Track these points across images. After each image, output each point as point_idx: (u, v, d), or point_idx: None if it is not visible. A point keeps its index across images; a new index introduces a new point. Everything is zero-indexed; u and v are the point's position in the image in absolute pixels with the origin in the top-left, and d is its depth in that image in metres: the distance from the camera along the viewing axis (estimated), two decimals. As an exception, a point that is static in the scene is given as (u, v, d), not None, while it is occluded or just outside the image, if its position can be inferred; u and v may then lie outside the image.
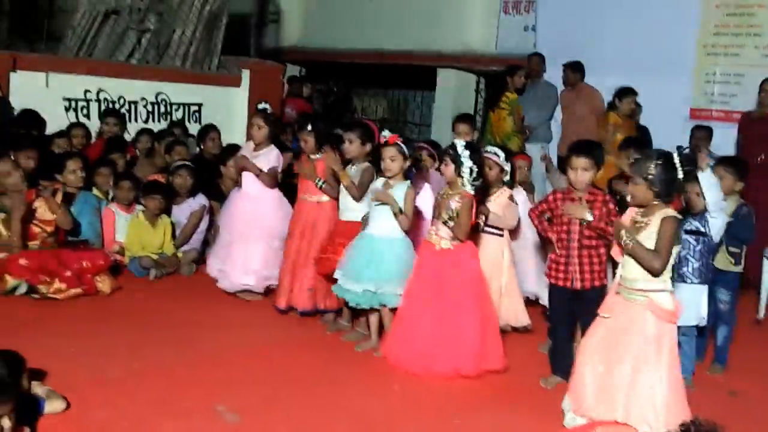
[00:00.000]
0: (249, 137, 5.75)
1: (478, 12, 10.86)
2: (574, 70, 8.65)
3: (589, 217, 4.14)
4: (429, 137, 10.74)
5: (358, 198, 4.89)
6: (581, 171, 4.27)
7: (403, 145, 4.66)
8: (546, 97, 8.82)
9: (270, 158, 5.52)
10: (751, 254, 5.48)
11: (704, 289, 4.61)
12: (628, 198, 3.77)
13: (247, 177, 5.57)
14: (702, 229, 4.52)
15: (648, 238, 3.58)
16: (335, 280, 4.83)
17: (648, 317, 3.61)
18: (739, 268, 4.97)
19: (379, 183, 4.76)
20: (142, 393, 3.92)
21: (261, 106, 5.62)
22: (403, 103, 12.72)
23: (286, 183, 5.94)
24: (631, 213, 3.77)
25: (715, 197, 4.42)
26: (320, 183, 5.16)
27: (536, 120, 8.75)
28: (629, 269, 3.67)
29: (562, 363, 4.30)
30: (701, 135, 7.53)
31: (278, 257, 5.50)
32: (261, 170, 5.48)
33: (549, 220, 4.48)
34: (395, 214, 4.59)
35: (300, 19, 12.77)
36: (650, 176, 3.58)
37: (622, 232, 3.63)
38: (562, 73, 8.74)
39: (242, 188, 5.64)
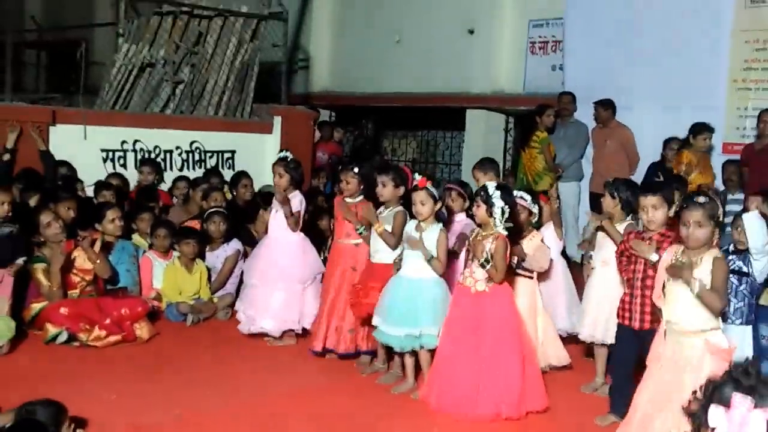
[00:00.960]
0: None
1: (506, 52, 10.98)
2: (606, 107, 8.67)
3: (655, 258, 3.99)
4: (459, 177, 10.80)
5: (394, 246, 4.90)
6: (651, 210, 4.20)
7: (433, 189, 4.69)
8: (577, 135, 8.84)
9: (294, 203, 5.58)
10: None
11: (748, 329, 4.54)
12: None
13: (272, 222, 5.66)
14: (745, 269, 4.47)
15: (701, 285, 3.55)
16: (370, 322, 4.85)
17: (705, 358, 3.57)
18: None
19: (411, 226, 4.78)
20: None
21: (282, 154, 5.70)
22: (432, 143, 12.80)
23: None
24: (669, 255, 3.75)
25: (762, 239, 4.38)
26: (361, 230, 5.21)
27: (568, 158, 8.78)
28: (681, 311, 3.63)
29: (619, 402, 4.21)
30: (733, 169, 7.49)
31: (299, 301, 5.56)
32: (292, 212, 5.54)
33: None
34: (428, 261, 4.61)
35: (329, 65, 12.98)
36: (719, 219, 3.60)
37: (690, 276, 3.56)
38: (593, 110, 8.76)
39: (268, 233, 5.72)
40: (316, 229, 6.32)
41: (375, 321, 4.79)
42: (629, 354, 4.28)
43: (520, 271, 5.01)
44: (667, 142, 8.02)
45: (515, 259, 4.86)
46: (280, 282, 5.55)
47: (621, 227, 4.74)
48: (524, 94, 10.49)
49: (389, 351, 5.01)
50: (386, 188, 4.99)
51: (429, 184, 4.67)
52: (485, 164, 5.75)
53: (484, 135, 11.16)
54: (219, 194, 7.17)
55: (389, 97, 11.87)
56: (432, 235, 4.65)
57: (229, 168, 8.57)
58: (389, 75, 11.79)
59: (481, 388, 4.37)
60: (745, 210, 4.91)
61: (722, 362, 3.58)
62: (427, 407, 4.50)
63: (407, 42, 11.77)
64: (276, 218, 5.63)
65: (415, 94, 11.44)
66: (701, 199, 3.65)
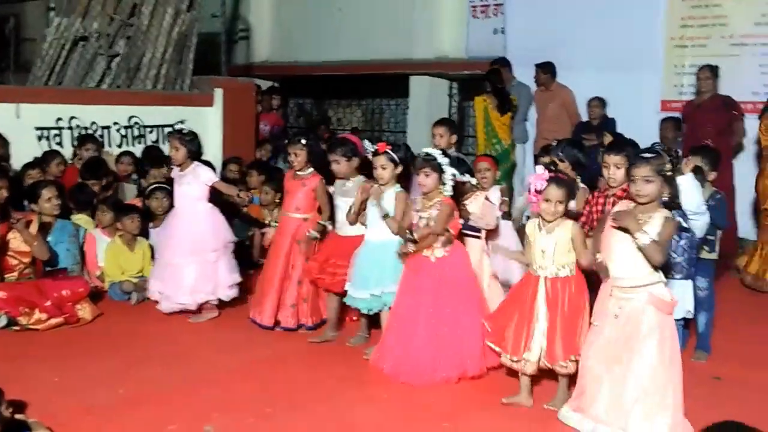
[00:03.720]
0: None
1: (447, 17, 10.92)
2: (546, 70, 8.73)
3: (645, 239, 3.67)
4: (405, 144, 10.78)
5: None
6: (614, 168, 4.32)
7: (392, 153, 4.72)
8: (519, 98, 8.86)
9: (199, 174, 5.54)
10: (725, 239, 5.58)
11: (689, 283, 4.65)
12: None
13: (177, 196, 5.63)
14: (684, 225, 4.56)
15: (648, 238, 3.61)
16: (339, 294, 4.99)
17: (648, 310, 3.65)
18: (714, 255, 5.03)
19: (375, 190, 4.81)
20: (128, 419, 3.89)
21: (177, 126, 5.67)
22: (377, 111, 12.75)
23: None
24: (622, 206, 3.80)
25: (698, 200, 4.49)
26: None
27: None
28: (625, 268, 3.69)
29: None
30: (669, 125, 7.63)
31: (213, 271, 5.51)
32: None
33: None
34: (383, 218, 4.65)
35: (270, 35, 12.79)
36: (667, 173, 3.66)
37: (637, 226, 3.61)
38: (534, 73, 8.80)
39: (175, 208, 5.69)
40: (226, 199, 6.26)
41: (345, 286, 4.86)
42: None
43: (467, 232, 5.04)
44: (588, 102, 8.17)
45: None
46: (192, 254, 5.48)
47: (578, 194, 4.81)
48: (467, 59, 10.47)
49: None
50: (340, 165, 5.04)
51: (389, 148, 4.72)
52: (450, 124, 5.90)
53: (428, 101, 11.13)
54: (158, 171, 7.01)
55: (332, 66, 11.77)
56: (389, 196, 4.72)
57: (170, 142, 8.38)
58: (331, 43, 11.67)
59: (443, 352, 4.43)
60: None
61: (665, 315, 3.68)
62: (378, 372, 4.54)
63: (349, 9, 11.65)
64: (181, 191, 5.59)
65: (357, 62, 11.33)
66: (647, 154, 3.70)
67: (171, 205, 6.40)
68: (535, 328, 4.04)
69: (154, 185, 6.58)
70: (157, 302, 5.65)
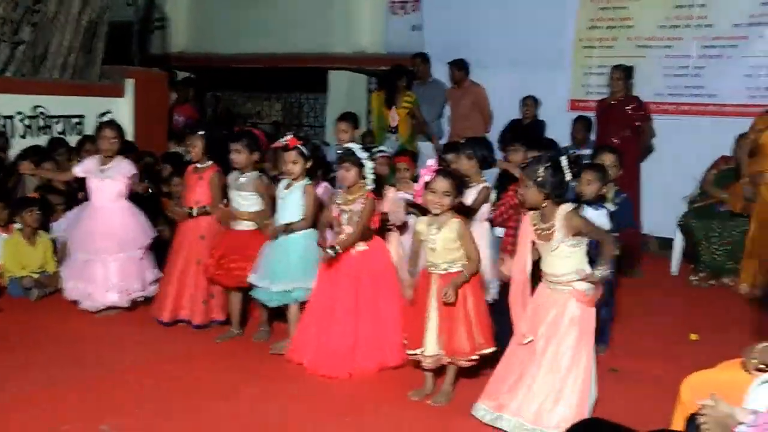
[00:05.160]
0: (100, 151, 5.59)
1: (366, 13, 10.93)
2: (459, 67, 8.82)
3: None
4: (324, 139, 10.78)
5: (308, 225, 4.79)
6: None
7: (303, 148, 4.70)
8: (435, 95, 8.95)
9: (123, 169, 5.44)
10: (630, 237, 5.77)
11: None
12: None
13: (96, 190, 5.46)
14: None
15: (560, 240, 3.69)
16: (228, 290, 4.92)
17: (571, 304, 3.75)
18: (616, 252, 5.17)
19: (282, 185, 4.80)
20: (22, 418, 3.77)
21: (108, 117, 5.54)
22: (296, 105, 12.66)
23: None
24: (529, 218, 3.86)
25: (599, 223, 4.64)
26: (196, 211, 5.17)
27: (427, 117, 8.86)
28: (556, 266, 3.76)
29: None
30: (579, 126, 7.85)
31: (140, 268, 5.46)
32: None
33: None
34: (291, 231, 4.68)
35: (187, 25, 12.53)
36: (539, 179, 3.68)
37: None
38: (448, 70, 8.90)
39: (91, 202, 5.50)
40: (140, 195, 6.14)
41: (251, 279, 4.80)
42: None
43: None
44: (523, 100, 8.31)
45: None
46: (120, 251, 5.38)
47: (477, 188, 4.88)
48: (385, 54, 10.50)
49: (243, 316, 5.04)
50: (241, 155, 4.97)
51: (299, 143, 4.70)
52: (353, 118, 5.91)
53: (346, 96, 11.11)
54: (51, 163, 6.71)
55: (251, 58, 11.62)
56: (297, 192, 4.70)
57: (78, 134, 8.10)
58: (251, 35, 11.51)
59: (363, 344, 4.47)
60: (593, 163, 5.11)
61: (587, 309, 3.78)
62: (285, 367, 4.55)
63: (268, 2, 11.51)
64: (103, 185, 5.43)
65: (276, 55, 11.24)
66: (527, 162, 3.81)
67: (70, 198, 6.22)
68: (428, 324, 4.09)
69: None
70: (75, 302, 5.49)
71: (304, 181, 4.75)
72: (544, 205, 3.72)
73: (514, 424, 3.76)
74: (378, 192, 4.79)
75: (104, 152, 5.46)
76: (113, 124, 5.51)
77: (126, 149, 5.76)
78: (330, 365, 4.45)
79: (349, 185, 4.50)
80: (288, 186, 4.76)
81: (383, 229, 4.91)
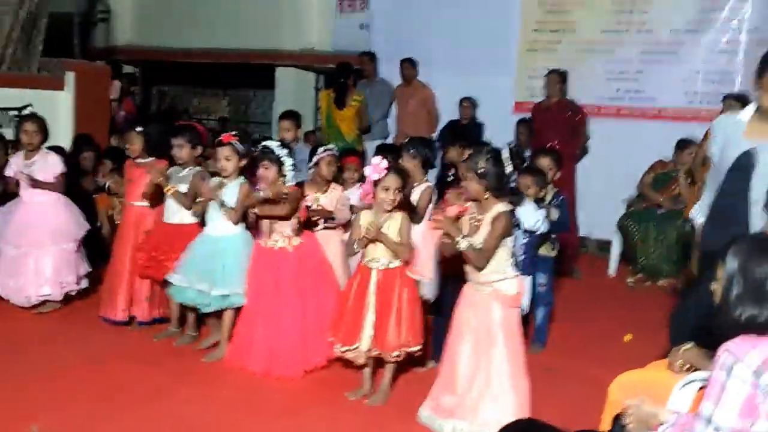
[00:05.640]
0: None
1: (315, 10, 10.92)
2: (413, 65, 8.86)
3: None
4: (270, 136, 10.70)
5: (235, 221, 4.70)
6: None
7: (238, 144, 4.65)
8: (381, 94, 8.95)
9: (50, 163, 5.34)
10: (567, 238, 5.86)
11: (527, 279, 4.84)
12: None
13: (25, 186, 5.34)
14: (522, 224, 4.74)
15: (483, 235, 3.72)
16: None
17: (494, 306, 3.77)
18: (554, 253, 5.28)
19: (214, 182, 4.73)
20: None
21: (29, 110, 5.44)
22: (244, 101, 12.57)
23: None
24: (455, 209, 3.89)
25: (534, 219, 4.71)
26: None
27: (374, 116, 8.86)
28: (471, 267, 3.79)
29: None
30: (523, 128, 7.97)
31: (74, 261, 5.40)
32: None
33: None
34: (220, 206, 4.59)
35: (133, 18, 12.33)
36: (480, 170, 3.72)
37: (456, 233, 3.70)
38: (399, 69, 8.93)
39: (21, 198, 5.39)
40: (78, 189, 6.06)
41: (173, 279, 4.71)
42: None
43: (328, 224, 5.11)
44: (460, 101, 8.40)
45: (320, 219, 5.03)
46: (52, 244, 5.29)
47: (421, 188, 4.91)
48: (333, 52, 10.48)
49: (182, 314, 5.00)
50: (183, 149, 4.94)
51: (234, 140, 4.65)
52: (296, 117, 5.96)
53: (294, 93, 11.09)
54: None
55: (197, 53, 11.49)
56: (233, 190, 4.65)
57: (16, 127, 7.92)
58: (198, 30, 11.38)
59: (311, 340, 4.46)
60: (532, 166, 5.18)
61: (510, 309, 3.83)
62: (221, 370, 4.51)
63: (217, -4, 11.41)
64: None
65: (224, 50, 11.14)
66: (469, 154, 3.84)
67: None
68: (366, 318, 4.10)
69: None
70: (6, 299, 5.37)
71: (240, 179, 4.70)
72: (485, 197, 3.76)
73: (453, 426, 3.80)
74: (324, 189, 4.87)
75: (27, 146, 5.35)
76: (33, 117, 5.40)
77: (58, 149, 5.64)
78: (284, 367, 4.44)
79: (268, 183, 4.49)
80: (219, 185, 4.68)
81: (310, 225, 4.93)
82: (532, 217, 4.71)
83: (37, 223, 5.27)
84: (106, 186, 6.49)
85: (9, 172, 5.45)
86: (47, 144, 5.54)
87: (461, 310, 3.88)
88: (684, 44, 7.91)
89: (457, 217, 3.83)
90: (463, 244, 3.68)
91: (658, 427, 2.61)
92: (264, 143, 4.58)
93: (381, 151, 5.24)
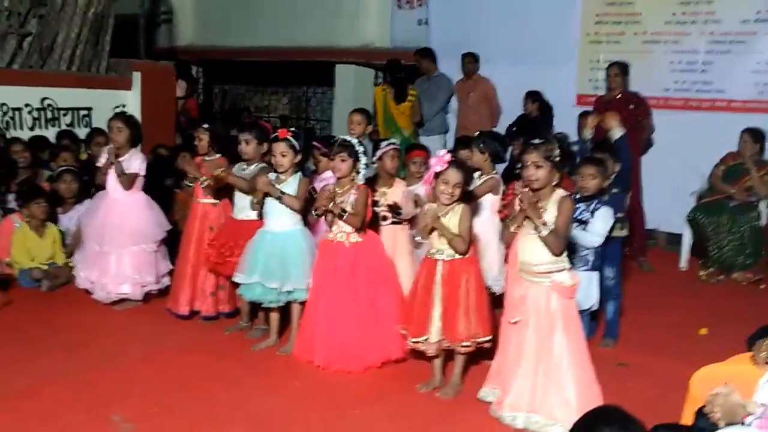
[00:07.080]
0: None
1: (373, 7, 10.92)
2: (474, 59, 8.82)
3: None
4: (330, 133, 10.76)
5: (300, 210, 4.76)
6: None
7: (293, 140, 4.68)
8: (437, 89, 8.91)
9: (132, 163, 5.40)
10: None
11: (594, 275, 4.77)
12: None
13: (112, 181, 5.41)
14: (590, 218, 4.67)
15: (549, 222, 3.69)
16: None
17: (552, 297, 3.75)
18: (625, 232, 5.17)
19: (271, 177, 4.75)
20: (33, 408, 3.80)
21: (120, 109, 5.55)
22: (304, 99, 12.67)
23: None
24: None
25: (603, 232, 4.66)
26: (205, 182, 5.12)
27: (428, 112, 8.81)
28: (531, 254, 3.77)
29: None
30: (584, 121, 7.81)
31: (154, 261, 5.47)
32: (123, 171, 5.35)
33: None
34: (278, 199, 4.61)
35: (194, 18, 12.53)
36: (555, 159, 3.70)
37: (538, 220, 3.68)
38: (460, 62, 8.89)
39: (108, 193, 5.45)
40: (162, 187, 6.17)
41: (238, 278, 4.75)
42: None
43: (395, 218, 5.12)
44: (527, 96, 8.30)
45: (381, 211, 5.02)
46: (133, 244, 5.38)
47: (484, 178, 4.89)
48: (392, 48, 10.49)
49: (253, 308, 5.05)
50: (249, 146, 4.98)
51: (290, 135, 4.67)
52: (366, 112, 5.96)
53: (353, 90, 11.11)
54: (68, 154, 6.79)
55: (257, 52, 11.61)
56: (292, 186, 4.67)
57: (85, 126, 8.15)
58: (257, 29, 11.51)
59: (368, 337, 4.46)
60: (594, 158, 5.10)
61: (567, 300, 3.79)
62: (292, 363, 4.55)
63: (276, -5, 11.53)
64: (116, 179, 5.40)
65: (283, 49, 11.22)
66: (536, 141, 3.79)
67: (80, 189, 6.23)
68: (433, 310, 4.09)
69: (63, 168, 6.39)
70: (87, 291, 5.49)
71: (298, 175, 4.72)
72: (554, 184, 3.74)
73: (525, 419, 3.78)
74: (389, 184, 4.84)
75: (114, 143, 5.44)
76: (119, 116, 5.50)
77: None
78: (344, 360, 4.45)
79: (341, 176, 4.51)
80: (276, 180, 4.69)
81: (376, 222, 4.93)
82: (605, 225, 4.64)
83: (119, 225, 5.34)
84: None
85: (100, 163, 5.54)
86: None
87: (518, 300, 3.84)
88: (754, 34, 7.68)
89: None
90: (543, 231, 3.66)
91: (746, 417, 2.55)
92: (344, 137, 4.60)
93: (459, 144, 5.24)
